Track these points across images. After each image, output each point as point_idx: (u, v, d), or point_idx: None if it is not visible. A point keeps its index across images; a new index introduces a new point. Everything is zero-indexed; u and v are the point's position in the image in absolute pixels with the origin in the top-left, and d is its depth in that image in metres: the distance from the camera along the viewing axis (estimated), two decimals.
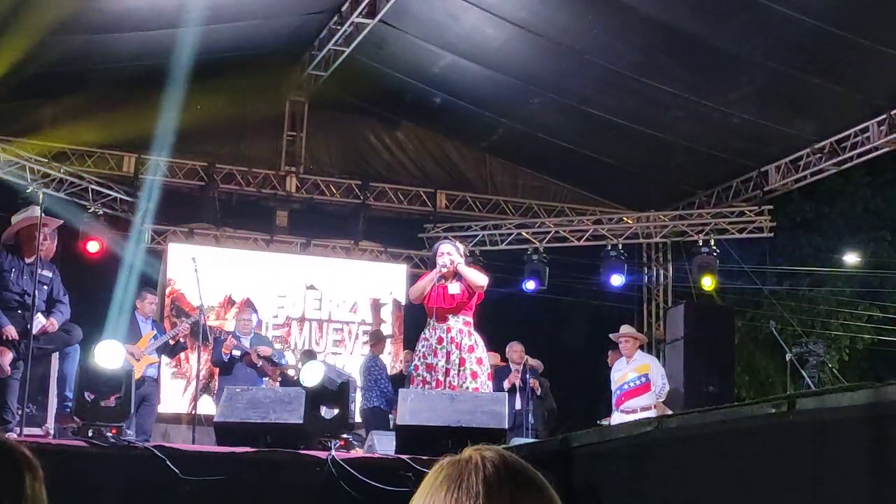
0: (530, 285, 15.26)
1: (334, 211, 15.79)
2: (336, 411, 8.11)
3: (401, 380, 12.21)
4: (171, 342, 11.20)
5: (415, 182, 15.97)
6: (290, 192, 15.35)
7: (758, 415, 4.17)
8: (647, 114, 13.41)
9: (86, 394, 7.78)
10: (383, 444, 7.81)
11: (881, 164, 17.05)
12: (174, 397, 13.99)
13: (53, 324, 8.28)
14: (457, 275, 8.23)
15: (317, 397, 7.70)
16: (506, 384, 11.66)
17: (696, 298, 15.52)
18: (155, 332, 11.12)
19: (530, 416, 11.65)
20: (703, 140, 13.81)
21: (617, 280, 15.27)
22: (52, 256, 8.76)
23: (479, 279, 8.26)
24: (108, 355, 8.41)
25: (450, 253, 8.31)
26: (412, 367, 8.35)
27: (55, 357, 8.68)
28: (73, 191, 13.80)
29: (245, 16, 12.63)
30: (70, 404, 8.44)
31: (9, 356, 8.00)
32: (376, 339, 13.61)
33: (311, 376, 8.15)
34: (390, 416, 12.00)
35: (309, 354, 12.93)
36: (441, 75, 13.90)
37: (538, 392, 12.00)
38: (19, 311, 8.15)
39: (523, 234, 15.62)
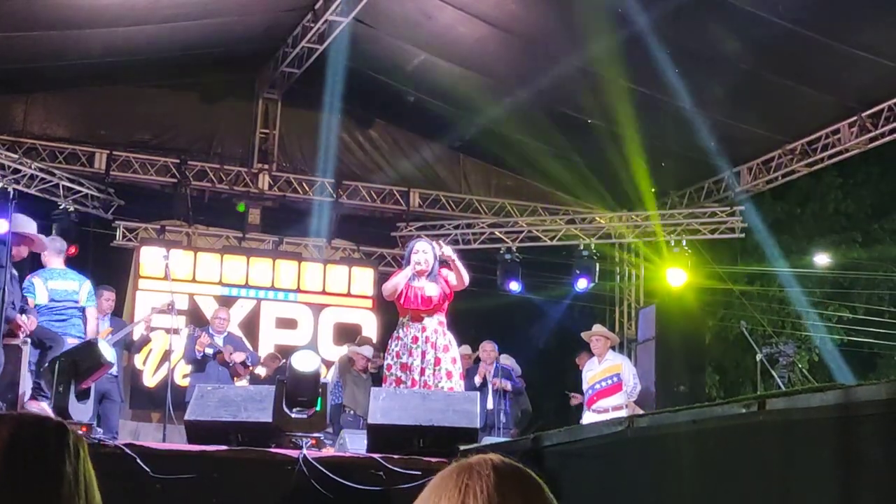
0: (514, 286, 15.20)
1: (307, 209, 15.74)
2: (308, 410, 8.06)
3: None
4: (132, 337, 11.05)
5: (388, 180, 15.94)
6: (263, 190, 15.30)
7: (728, 415, 4.19)
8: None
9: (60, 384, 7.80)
10: (355, 443, 7.80)
11: (852, 166, 17.17)
12: None
13: (33, 321, 8.24)
14: (430, 274, 8.18)
15: (296, 391, 7.62)
16: (476, 379, 11.70)
17: (668, 299, 15.55)
18: (112, 328, 10.97)
19: (502, 415, 11.66)
20: (676, 140, 13.84)
21: (582, 284, 15.26)
22: (20, 260, 8.67)
23: (465, 276, 8.21)
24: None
25: (426, 252, 8.23)
26: (385, 366, 8.29)
27: (25, 353, 8.61)
28: (44, 187, 13.69)
29: (218, 13, 12.59)
30: (47, 393, 8.39)
31: None
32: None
33: (306, 362, 7.99)
34: None
35: (274, 358, 12.87)
36: (414, 74, 13.89)
37: (507, 390, 11.98)
38: None
39: (496, 233, 15.62)
